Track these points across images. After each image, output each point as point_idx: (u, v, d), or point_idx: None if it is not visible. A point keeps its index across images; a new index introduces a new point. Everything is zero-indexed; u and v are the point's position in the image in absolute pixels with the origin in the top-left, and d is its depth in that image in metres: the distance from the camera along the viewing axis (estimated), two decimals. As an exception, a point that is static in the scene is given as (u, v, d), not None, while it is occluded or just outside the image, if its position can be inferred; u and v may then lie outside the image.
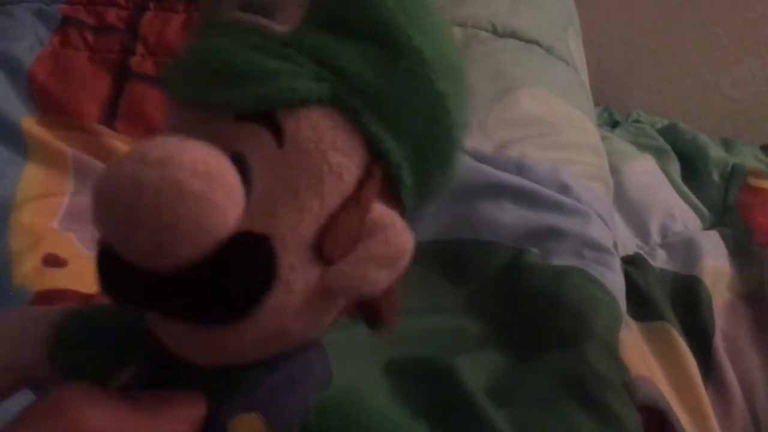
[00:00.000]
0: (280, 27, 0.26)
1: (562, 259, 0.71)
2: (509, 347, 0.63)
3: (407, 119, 0.27)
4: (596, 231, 0.73)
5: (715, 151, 1.08)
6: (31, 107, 0.73)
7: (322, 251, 0.26)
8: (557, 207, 0.74)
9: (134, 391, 0.28)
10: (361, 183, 0.27)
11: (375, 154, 0.27)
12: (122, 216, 0.23)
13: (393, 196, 0.28)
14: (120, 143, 0.74)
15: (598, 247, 0.72)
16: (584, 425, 0.55)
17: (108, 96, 0.76)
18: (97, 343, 0.32)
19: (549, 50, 0.93)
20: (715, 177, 1.02)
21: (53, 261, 0.62)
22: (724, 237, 0.87)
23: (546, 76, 0.89)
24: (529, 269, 0.69)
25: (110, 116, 0.75)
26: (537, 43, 0.92)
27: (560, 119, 0.85)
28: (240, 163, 0.25)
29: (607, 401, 0.56)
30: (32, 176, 0.69)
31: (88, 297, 0.59)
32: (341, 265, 0.26)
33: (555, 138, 0.82)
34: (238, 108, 0.26)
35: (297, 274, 0.26)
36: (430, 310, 0.67)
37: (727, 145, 1.17)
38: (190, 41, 0.29)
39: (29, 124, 0.72)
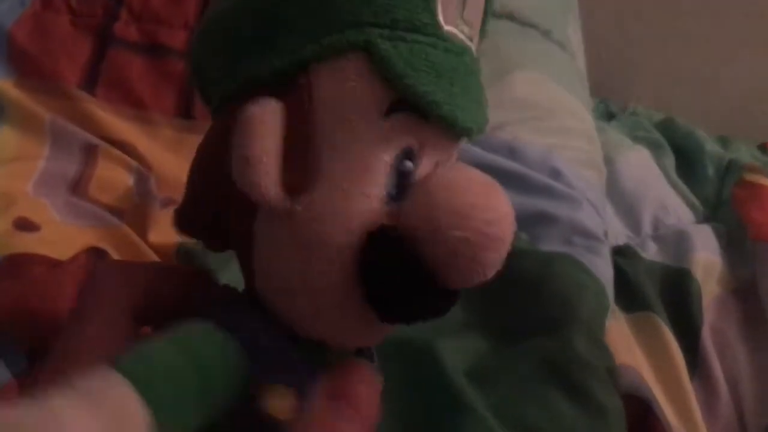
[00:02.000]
0: (473, 48, 0.30)
1: (551, 244, 0.69)
2: (493, 331, 0.61)
3: None
4: (587, 218, 0.72)
5: (712, 147, 1.06)
6: (9, 69, 0.71)
7: None
8: (548, 192, 0.72)
9: None
10: None
11: None
12: (498, 257, 0.28)
13: None
14: (99, 109, 0.71)
15: (587, 234, 0.70)
16: (566, 411, 0.53)
17: (89, 61, 0.74)
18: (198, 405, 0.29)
19: (546, 34, 0.91)
20: (711, 172, 1.00)
21: (25, 225, 0.60)
22: (716, 231, 0.86)
23: (542, 60, 0.87)
24: (516, 254, 0.66)
25: (90, 82, 0.73)
26: (534, 26, 0.90)
27: (555, 104, 0.83)
28: None
29: (589, 387, 0.55)
30: (7, 139, 0.67)
31: (57, 263, 0.57)
32: None
33: (549, 123, 0.80)
34: (480, 132, 0.29)
35: None
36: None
37: (724, 142, 1.16)
38: (422, 49, 0.28)
39: (6, 86, 0.69)
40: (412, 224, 0.27)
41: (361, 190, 0.28)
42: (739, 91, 1.38)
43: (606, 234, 0.75)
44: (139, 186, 0.69)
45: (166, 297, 0.32)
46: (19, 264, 0.56)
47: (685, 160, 1.04)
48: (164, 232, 0.64)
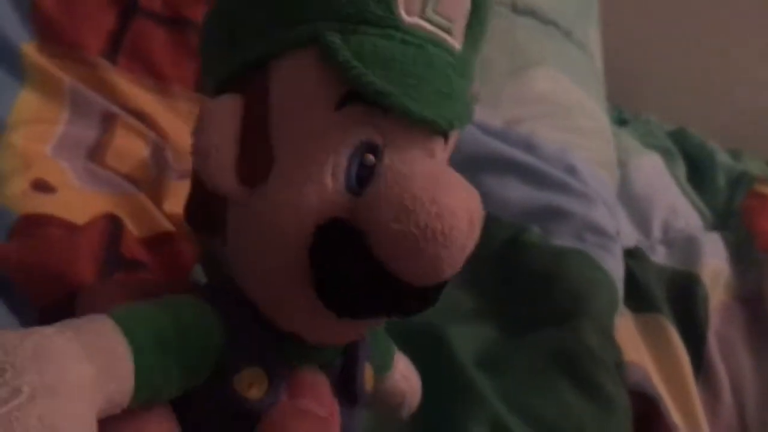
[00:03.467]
0: (457, 45, 0.29)
1: (563, 239, 0.69)
2: (504, 322, 0.62)
3: None
4: (600, 215, 0.72)
5: (723, 157, 1.07)
6: (33, 34, 0.70)
7: None
8: (563, 188, 0.72)
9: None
10: None
11: None
12: (456, 252, 0.27)
13: None
14: (119, 78, 0.71)
15: (600, 232, 0.71)
16: (574, 401, 0.54)
17: (112, 30, 0.73)
18: (178, 365, 0.30)
19: (567, 34, 0.91)
20: (721, 181, 1.01)
21: (42, 186, 0.59)
22: (725, 239, 0.86)
23: (562, 59, 0.88)
24: (529, 247, 0.68)
25: (112, 51, 0.73)
26: (555, 24, 0.91)
27: (573, 103, 0.83)
28: None
29: (598, 379, 0.55)
30: (27, 102, 0.66)
31: (73, 226, 0.56)
32: None
33: (566, 121, 0.80)
34: (448, 127, 0.29)
35: None
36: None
37: (734, 156, 1.16)
38: (374, 42, 0.28)
39: (29, 50, 0.69)
40: (362, 217, 0.27)
41: (314, 181, 0.28)
42: (751, 106, 1.39)
43: (618, 233, 0.75)
44: (156, 157, 0.69)
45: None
46: (34, 224, 0.56)
47: (696, 170, 1.04)
48: (180, 202, 0.64)
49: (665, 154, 1.05)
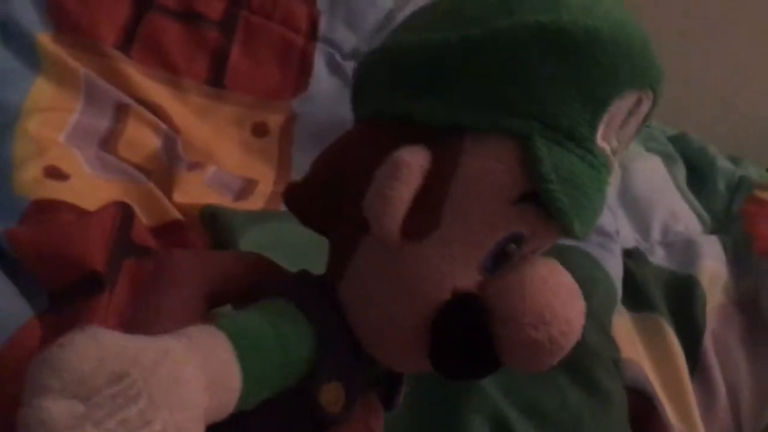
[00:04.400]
0: (614, 162, 0.31)
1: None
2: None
3: None
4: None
5: (723, 162, 1.08)
6: (49, 24, 0.72)
7: None
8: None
9: None
10: None
11: None
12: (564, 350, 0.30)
13: None
14: (132, 70, 0.73)
15: (600, 231, 0.72)
16: (572, 395, 0.55)
17: (126, 22, 0.75)
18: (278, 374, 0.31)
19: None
20: (721, 186, 1.02)
21: (55, 173, 0.61)
22: (723, 243, 0.87)
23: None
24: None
25: (126, 43, 0.74)
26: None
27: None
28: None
29: (596, 375, 0.56)
30: (42, 90, 0.68)
31: (84, 212, 0.58)
32: None
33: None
34: (578, 238, 0.30)
35: None
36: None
37: (734, 162, 1.17)
38: (571, 160, 0.29)
39: (44, 39, 0.70)
40: (495, 302, 0.29)
41: (466, 257, 0.29)
42: (754, 114, 1.40)
43: (618, 233, 0.77)
44: (167, 148, 0.71)
45: (240, 282, 0.34)
46: (46, 209, 0.57)
47: (697, 174, 1.05)
48: (189, 193, 0.66)
49: (666, 158, 1.05)
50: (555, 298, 0.29)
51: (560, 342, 0.29)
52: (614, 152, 0.30)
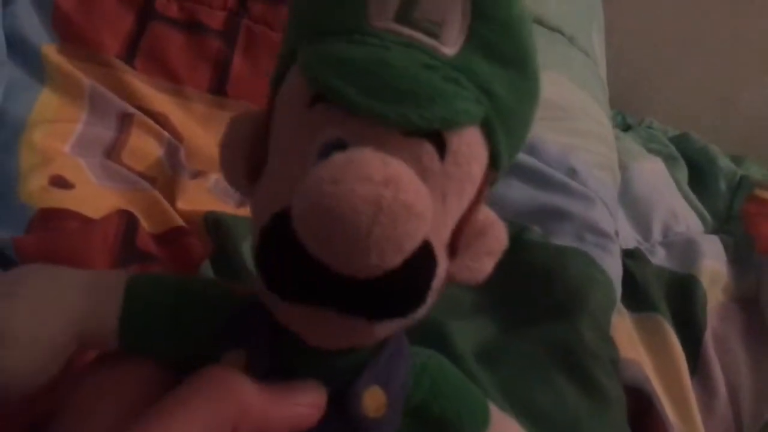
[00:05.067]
0: (447, 49, 0.28)
1: (563, 239, 0.71)
2: (503, 316, 0.63)
3: (519, 130, 0.31)
4: (599, 216, 0.74)
5: (724, 162, 1.08)
6: (53, 35, 0.73)
7: (454, 246, 0.30)
8: (563, 189, 0.74)
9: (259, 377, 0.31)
10: (482, 188, 0.30)
11: (490, 161, 0.30)
12: (356, 235, 0.24)
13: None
14: (136, 80, 0.74)
15: (599, 232, 0.72)
16: (569, 395, 0.55)
17: (130, 33, 0.76)
18: (168, 324, 0.32)
19: (571, 40, 0.93)
20: (722, 186, 1.02)
21: (60, 182, 0.62)
22: (724, 242, 0.88)
23: (566, 64, 0.89)
24: (529, 245, 0.70)
25: (130, 53, 0.75)
26: (560, 31, 0.93)
27: (575, 107, 0.85)
28: None
29: (593, 374, 0.57)
30: (47, 102, 0.69)
31: (88, 220, 0.59)
32: (466, 259, 0.30)
33: (569, 124, 0.82)
34: (411, 124, 0.27)
35: (441, 270, 0.29)
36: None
37: (736, 162, 1.17)
38: (336, 46, 0.28)
39: (50, 50, 0.71)
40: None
41: (287, 177, 0.29)
42: (755, 113, 1.40)
43: (617, 233, 0.77)
44: (170, 157, 0.72)
45: None
46: (51, 217, 0.58)
47: (698, 174, 1.06)
48: (192, 200, 0.67)
49: (668, 158, 1.06)
50: (327, 168, 0.25)
51: (335, 208, 0.24)
52: (430, 32, 0.28)
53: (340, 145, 0.28)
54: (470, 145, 0.29)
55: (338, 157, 0.25)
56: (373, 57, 0.28)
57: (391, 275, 0.26)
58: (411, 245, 0.25)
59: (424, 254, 0.27)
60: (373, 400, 0.32)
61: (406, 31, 0.28)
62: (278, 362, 0.31)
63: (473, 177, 0.29)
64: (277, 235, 0.27)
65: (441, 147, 0.28)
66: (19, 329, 0.30)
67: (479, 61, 0.28)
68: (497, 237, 0.31)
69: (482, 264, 0.31)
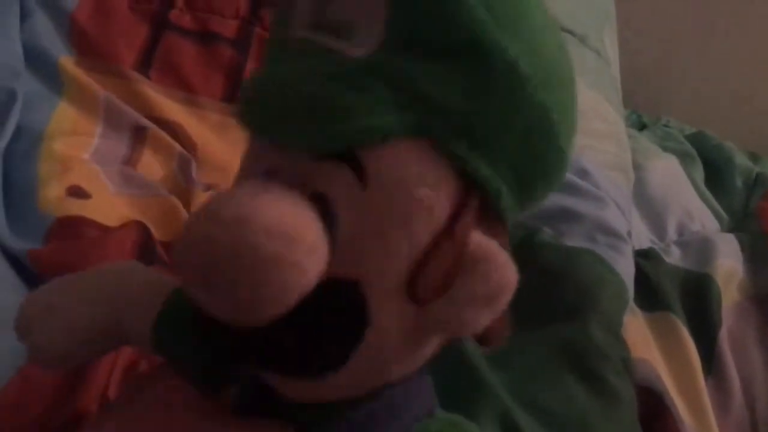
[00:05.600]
0: (356, 50, 0.24)
1: (574, 240, 0.71)
2: (514, 316, 0.63)
3: (503, 140, 0.25)
4: (611, 217, 0.74)
5: (741, 159, 1.07)
6: (70, 48, 0.75)
7: (414, 291, 0.25)
8: (575, 190, 0.74)
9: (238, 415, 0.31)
10: (455, 216, 0.25)
11: (469, 182, 0.25)
12: (198, 276, 0.22)
13: (494, 221, 0.26)
14: (151, 90, 0.75)
15: (611, 233, 0.72)
16: (579, 394, 0.55)
17: (144, 44, 0.78)
18: (193, 334, 0.31)
19: (583, 40, 0.93)
20: (739, 183, 1.02)
21: (77, 192, 0.63)
22: (740, 240, 0.87)
23: (577, 64, 0.89)
24: (541, 247, 0.70)
25: (144, 64, 0.77)
26: (571, 32, 0.93)
27: (587, 107, 0.85)
28: (322, 203, 0.24)
29: (603, 374, 0.57)
30: (64, 113, 0.70)
31: (105, 228, 0.60)
32: (438, 305, 0.25)
33: (580, 124, 0.82)
34: (313, 147, 0.24)
35: (391, 316, 0.25)
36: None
37: (753, 159, 1.16)
38: (262, 65, 0.27)
39: (67, 63, 0.73)
40: None
41: None
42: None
43: (630, 234, 0.77)
44: (182, 171, 0.73)
45: None
46: (68, 226, 0.60)
47: (714, 171, 1.05)
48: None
49: (683, 157, 1.05)
50: (198, 213, 0.23)
51: (186, 257, 0.22)
52: (344, 34, 0.24)
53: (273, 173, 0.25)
54: (402, 165, 0.24)
55: (211, 195, 0.25)
56: (276, 77, 0.25)
57: (287, 323, 0.23)
58: (278, 294, 0.22)
59: (337, 297, 0.24)
60: None
61: (318, 37, 0.25)
62: (267, 397, 0.30)
63: (424, 203, 0.24)
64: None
65: (360, 171, 0.24)
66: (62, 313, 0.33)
67: (400, 59, 0.24)
68: (489, 277, 0.25)
69: (462, 313, 0.25)
